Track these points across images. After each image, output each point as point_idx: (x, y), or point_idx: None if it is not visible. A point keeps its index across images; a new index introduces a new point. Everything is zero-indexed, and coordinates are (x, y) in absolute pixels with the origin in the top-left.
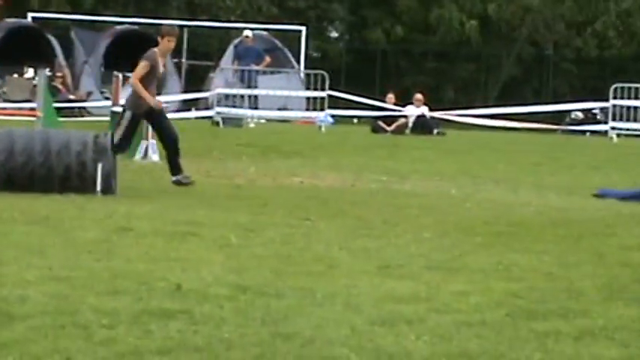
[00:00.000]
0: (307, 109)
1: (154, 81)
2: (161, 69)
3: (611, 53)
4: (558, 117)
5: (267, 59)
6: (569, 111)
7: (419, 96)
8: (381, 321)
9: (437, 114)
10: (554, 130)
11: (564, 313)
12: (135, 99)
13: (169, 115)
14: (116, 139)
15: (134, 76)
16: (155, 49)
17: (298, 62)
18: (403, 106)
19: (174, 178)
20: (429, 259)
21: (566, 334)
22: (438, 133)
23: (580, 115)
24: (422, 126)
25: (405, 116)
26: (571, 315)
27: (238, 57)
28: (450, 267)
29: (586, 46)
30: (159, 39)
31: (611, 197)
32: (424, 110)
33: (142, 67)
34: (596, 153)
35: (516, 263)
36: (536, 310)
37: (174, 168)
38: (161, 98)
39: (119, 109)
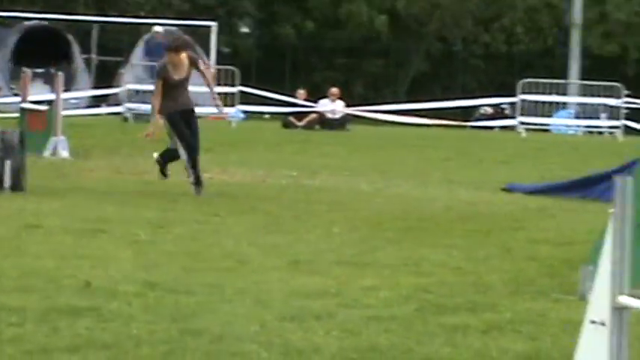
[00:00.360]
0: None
1: (174, 90)
2: (178, 75)
3: (518, 49)
4: (467, 112)
5: None
6: (478, 106)
7: (334, 90)
8: (291, 316)
9: (347, 110)
10: (464, 126)
11: (472, 307)
12: (162, 105)
13: (78, 112)
14: (180, 148)
15: (153, 94)
16: (166, 60)
17: (209, 58)
18: (314, 101)
19: (156, 155)
20: (338, 255)
21: (474, 328)
22: (343, 127)
23: (489, 110)
24: (329, 123)
25: (316, 112)
26: (479, 309)
27: (148, 53)
28: (359, 262)
29: (494, 41)
30: None
31: (519, 191)
32: (339, 105)
33: (156, 85)
34: (504, 147)
35: (425, 258)
36: (445, 305)
37: (163, 158)
38: (71, 94)
39: (28, 106)
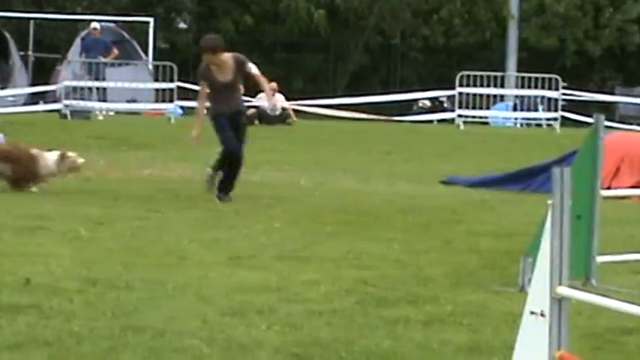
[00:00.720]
0: (156, 101)
1: (220, 94)
2: (223, 77)
3: (457, 41)
4: (406, 106)
5: (115, 51)
6: (417, 99)
7: (273, 84)
8: (232, 311)
9: (286, 104)
10: (402, 121)
11: (413, 299)
12: (210, 107)
13: (16, 109)
14: (221, 148)
15: (198, 97)
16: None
17: (146, 54)
18: (252, 96)
19: (217, 194)
20: (279, 249)
21: (416, 321)
22: (283, 122)
23: (427, 103)
24: (268, 117)
25: (256, 107)
26: (420, 301)
27: (86, 49)
28: (300, 256)
29: (433, 34)
30: None
31: (459, 184)
32: (279, 99)
33: (200, 88)
34: (443, 141)
35: (366, 251)
36: (386, 298)
37: (222, 186)
38: (8, 92)
39: None
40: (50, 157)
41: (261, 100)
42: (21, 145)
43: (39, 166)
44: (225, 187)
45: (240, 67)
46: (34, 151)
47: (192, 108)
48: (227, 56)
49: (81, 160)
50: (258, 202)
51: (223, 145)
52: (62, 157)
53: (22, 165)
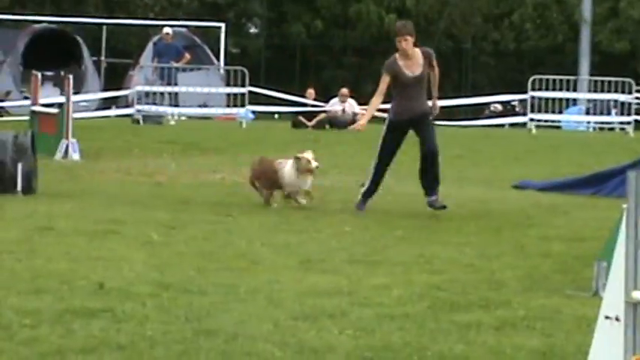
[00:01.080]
0: (228, 106)
1: (407, 91)
2: (411, 72)
3: (528, 45)
4: (478, 110)
5: (187, 56)
6: (488, 103)
7: (344, 91)
8: (304, 316)
9: (357, 109)
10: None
11: (485, 304)
12: (392, 107)
13: (88, 114)
14: (373, 160)
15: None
16: (395, 55)
17: (218, 59)
18: (326, 101)
19: (427, 200)
20: (350, 253)
21: (488, 325)
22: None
23: (498, 107)
24: (339, 122)
25: (325, 111)
26: (492, 306)
27: (158, 54)
28: (371, 260)
29: (504, 39)
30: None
31: (531, 188)
32: (351, 104)
33: (381, 81)
34: (515, 145)
35: (437, 255)
36: (458, 302)
37: (427, 187)
38: (80, 97)
39: (38, 109)
40: (287, 165)
41: (336, 105)
42: (266, 159)
43: (279, 176)
44: (431, 185)
45: (429, 61)
46: (277, 162)
47: (263, 113)
48: (418, 50)
49: (315, 164)
50: (328, 207)
51: (380, 154)
52: (297, 160)
53: (267, 178)
